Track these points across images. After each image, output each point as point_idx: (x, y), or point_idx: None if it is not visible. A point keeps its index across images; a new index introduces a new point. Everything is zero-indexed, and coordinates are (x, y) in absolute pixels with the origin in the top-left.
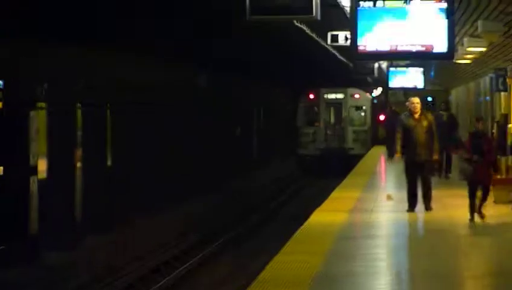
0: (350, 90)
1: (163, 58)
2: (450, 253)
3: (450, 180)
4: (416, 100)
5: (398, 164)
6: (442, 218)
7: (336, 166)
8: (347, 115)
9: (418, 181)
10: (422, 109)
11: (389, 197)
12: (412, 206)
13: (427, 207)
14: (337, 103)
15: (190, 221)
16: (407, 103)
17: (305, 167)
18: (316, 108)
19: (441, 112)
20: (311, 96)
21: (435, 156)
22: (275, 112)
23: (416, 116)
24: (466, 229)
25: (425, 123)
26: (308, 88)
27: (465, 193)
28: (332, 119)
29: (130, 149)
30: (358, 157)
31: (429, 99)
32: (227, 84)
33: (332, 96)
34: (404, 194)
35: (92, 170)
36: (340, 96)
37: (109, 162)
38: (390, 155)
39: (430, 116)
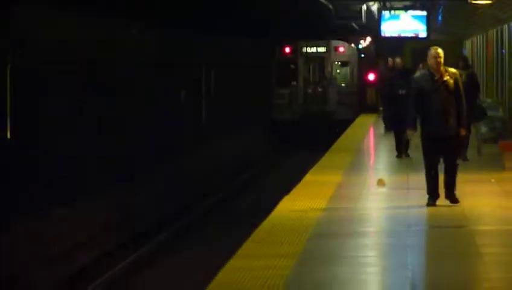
0: (334, 43)
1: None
2: (460, 256)
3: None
4: (439, 52)
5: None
6: (449, 210)
7: (317, 134)
8: (330, 72)
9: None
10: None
11: (380, 183)
12: (433, 197)
13: (453, 198)
14: (318, 58)
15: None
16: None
17: (280, 135)
18: (292, 65)
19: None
20: (287, 50)
21: (463, 131)
22: (234, 71)
23: (439, 74)
24: (485, 225)
25: (451, 83)
26: (281, 40)
27: (482, 177)
28: (312, 78)
29: (36, 120)
30: (343, 123)
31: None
32: (168, 38)
33: (312, 49)
34: (399, 179)
35: None
36: (321, 49)
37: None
38: (388, 128)
39: (455, 72)
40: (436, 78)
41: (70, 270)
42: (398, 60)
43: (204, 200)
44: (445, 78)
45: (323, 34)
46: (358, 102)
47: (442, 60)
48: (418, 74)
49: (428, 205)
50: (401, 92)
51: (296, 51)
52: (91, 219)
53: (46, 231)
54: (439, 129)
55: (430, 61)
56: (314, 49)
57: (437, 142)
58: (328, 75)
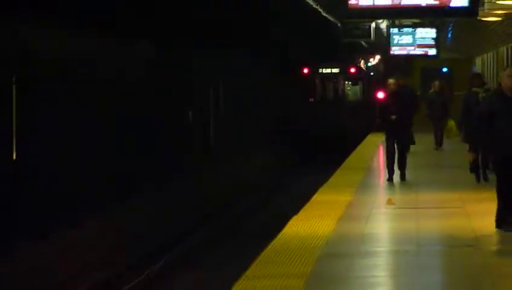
0: (345, 64)
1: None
2: (472, 277)
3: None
4: None
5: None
6: (464, 229)
7: (328, 148)
8: (342, 89)
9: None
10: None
11: (390, 202)
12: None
13: None
14: (332, 77)
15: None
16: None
17: (297, 146)
18: (309, 83)
19: (473, 89)
20: (305, 70)
21: None
22: (243, 90)
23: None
24: (493, 245)
25: None
26: (298, 61)
27: (495, 196)
28: (327, 94)
29: (43, 139)
30: (354, 137)
31: (444, 70)
32: (178, 55)
33: (327, 70)
34: (409, 198)
35: None
36: (335, 70)
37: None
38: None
39: None
40: (509, 96)
41: None
42: (390, 80)
43: (212, 220)
44: None
45: (333, 53)
46: (368, 117)
47: None
48: (487, 94)
49: (506, 230)
50: (393, 117)
51: (312, 71)
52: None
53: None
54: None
55: (505, 80)
56: (328, 70)
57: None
58: (341, 92)
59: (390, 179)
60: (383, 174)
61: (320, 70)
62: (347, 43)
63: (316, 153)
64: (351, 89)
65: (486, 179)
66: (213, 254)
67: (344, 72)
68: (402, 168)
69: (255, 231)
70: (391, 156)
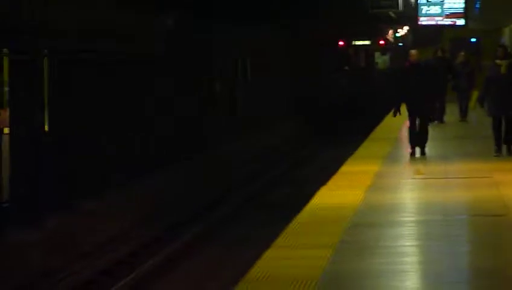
0: (375, 37)
1: None
2: (501, 245)
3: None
4: None
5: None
6: (493, 198)
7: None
8: (373, 59)
9: None
10: None
11: (418, 172)
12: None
13: None
14: (364, 49)
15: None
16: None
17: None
18: (345, 54)
19: (497, 61)
20: (341, 43)
21: None
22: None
23: None
24: None
25: None
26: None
27: None
28: (360, 64)
29: (72, 111)
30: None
31: (473, 40)
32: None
33: (359, 42)
34: (437, 168)
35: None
36: (366, 42)
37: (46, 127)
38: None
39: None
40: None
41: None
42: (412, 51)
43: (241, 190)
44: None
45: (362, 23)
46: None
47: None
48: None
49: None
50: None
51: (348, 43)
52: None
53: None
54: None
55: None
56: (361, 42)
57: None
58: (372, 61)
59: (413, 154)
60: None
61: (353, 43)
62: (376, 14)
63: (344, 123)
64: (380, 58)
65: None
66: (241, 224)
67: (374, 44)
68: (422, 142)
69: (283, 202)
70: (413, 130)
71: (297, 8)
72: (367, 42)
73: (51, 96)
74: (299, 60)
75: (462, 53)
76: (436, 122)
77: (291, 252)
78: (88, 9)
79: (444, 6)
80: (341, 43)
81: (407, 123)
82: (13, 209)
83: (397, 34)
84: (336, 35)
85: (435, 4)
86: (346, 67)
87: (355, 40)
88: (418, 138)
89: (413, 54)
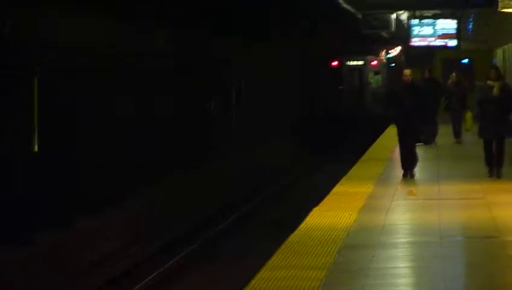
0: (368, 57)
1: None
2: (493, 268)
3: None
4: None
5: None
6: (485, 220)
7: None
8: (366, 78)
9: None
10: None
11: (411, 193)
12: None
13: None
14: (357, 69)
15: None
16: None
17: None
18: (338, 74)
19: (489, 82)
20: (335, 63)
21: None
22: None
23: None
24: None
25: None
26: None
27: None
28: (353, 83)
29: (64, 131)
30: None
31: (465, 61)
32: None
33: (353, 63)
34: (430, 189)
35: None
36: (360, 63)
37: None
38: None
39: None
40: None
41: None
42: (406, 71)
43: (234, 210)
44: None
45: (355, 44)
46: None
47: None
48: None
49: None
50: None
51: (341, 64)
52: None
53: None
54: None
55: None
56: (354, 62)
57: None
58: (365, 81)
59: (405, 175)
60: None
61: (347, 63)
62: (368, 34)
63: (336, 144)
64: (373, 78)
65: (499, 175)
66: (234, 244)
67: (367, 64)
68: (411, 164)
69: (276, 222)
70: (404, 151)
71: (288, 26)
72: (360, 62)
73: (40, 115)
74: (295, 79)
75: (454, 74)
76: (429, 143)
77: (284, 273)
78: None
79: (436, 27)
80: (335, 63)
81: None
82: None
83: (389, 55)
84: (329, 55)
85: (427, 25)
86: (341, 87)
87: (348, 61)
88: (408, 160)
89: (407, 74)
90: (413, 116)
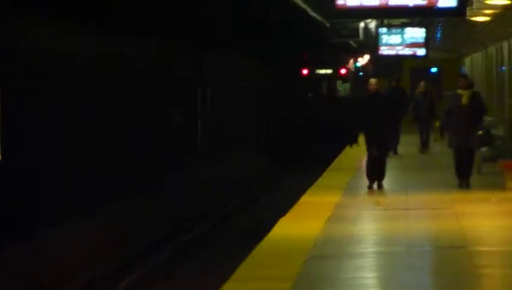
0: (337, 66)
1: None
2: (459, 278)
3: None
4: None
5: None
6: (452, 230)
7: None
8: (335, 86)
9: None
10: None
11: (378, 203)
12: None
13: None
14: (326, 77)
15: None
16: None
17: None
18: (309, 82)
19: (459, 90)
20: (305, 71)
21: None
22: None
23: None
24: (484, 246)
25: None
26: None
27: (483, 196)
28: (323, 91)
29: (27, 140)
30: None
31: (433, 70)
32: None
33: (322, 71)
34: (397, 198)
35: None
36: (329, 71)
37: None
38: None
39: None
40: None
41: None
42: (371, 80)
43: (200, 222)
44: None
45: (322, 52)
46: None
47: None
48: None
49: None
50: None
51: (311, 72)
52: None
53: None
54: None
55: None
56: (323, 71)
57: None
58: (334, 88)
59: (371, 187)
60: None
61: (317, 72)
62: (337, 43)
63: (304, 153)
64: (342, 86)
65: (468, 185)
66: (200, 255)
67: (336, 73)
68: (380, 175)
69: (243, 232)
70: (371, 163)
71: (255, 34)
72: (329, 71)
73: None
74: (263, 88)
75: (422, 83)
76: (391, 153)
77: (250, 284)
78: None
79: (405, 36)
80: (305, 71)
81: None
82: None
83: (357, 64)
84: (299, 64)
85: (395, 34)
86: (310, 95)
87: (318, 69)
88: (375, 171)
89: (372, 83)
90: (382, 126)
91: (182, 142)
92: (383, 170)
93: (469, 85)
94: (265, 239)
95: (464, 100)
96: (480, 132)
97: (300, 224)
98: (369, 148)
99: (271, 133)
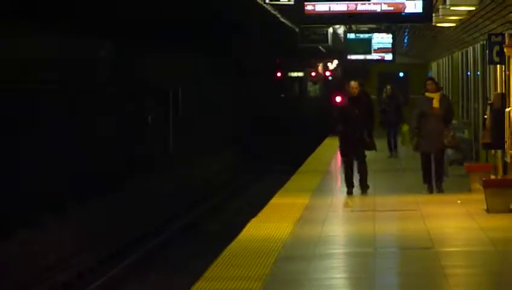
0: (308, 70)
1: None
2: (426, 278)
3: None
4: None
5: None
6: (419, 231)
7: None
8: (305, 88)
9: None
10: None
11: (347, 205)
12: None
13: None
14: (298, 79)
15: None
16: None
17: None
18: (282, 83)
19: (427, 93)
20: (278, 74)
21: None
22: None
23: None
24: (450, 247)
25: None
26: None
27: (448, 199)
28: (294, 92)
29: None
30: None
31: (401, 75)
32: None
33: (294, 74)
34: (365, 199)
35: None
36: (300, 74)
37: None
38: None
39: None
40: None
41: None
42: (352, 83)
43: (171, 223)
44: None
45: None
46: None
47: None
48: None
49: None
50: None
51: (284, 74)
52: None
53: None
54: None
55: None
56: (295, 74)
57: None
58: (304, 90)
59: (350, 193)
60: (340, 178)
61: (289, 74)
62: (307, 48)
63: (274, 154)
64: (312, 88)
65: (439, 189)
66: (171, 256)
67: (306, 75)
68: (363, 177)
69: (213, 233)
70: (350, 169)
71: (227, 37)
72: (300, 74)
73: None
74: (236, 91)
75: (389, 87)
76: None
77: (220, 284)
78: None
79: (373, 41)
80: (278, 74)
81: (338, 156)
82: None
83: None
84: (271, 67)
85: (363, 39)
86: (282, 95)
87: (290, 72)
88: (353, 176)
89: (354, 86)
90: (361, 128)
91: (152, 143)
92: (365, 172)
93: (437, 88)
94: (236, 240)
95: (435, 103)
96: (451, 133)
97: (270, 225)
98: (344, 156)
99: (244, 134)
